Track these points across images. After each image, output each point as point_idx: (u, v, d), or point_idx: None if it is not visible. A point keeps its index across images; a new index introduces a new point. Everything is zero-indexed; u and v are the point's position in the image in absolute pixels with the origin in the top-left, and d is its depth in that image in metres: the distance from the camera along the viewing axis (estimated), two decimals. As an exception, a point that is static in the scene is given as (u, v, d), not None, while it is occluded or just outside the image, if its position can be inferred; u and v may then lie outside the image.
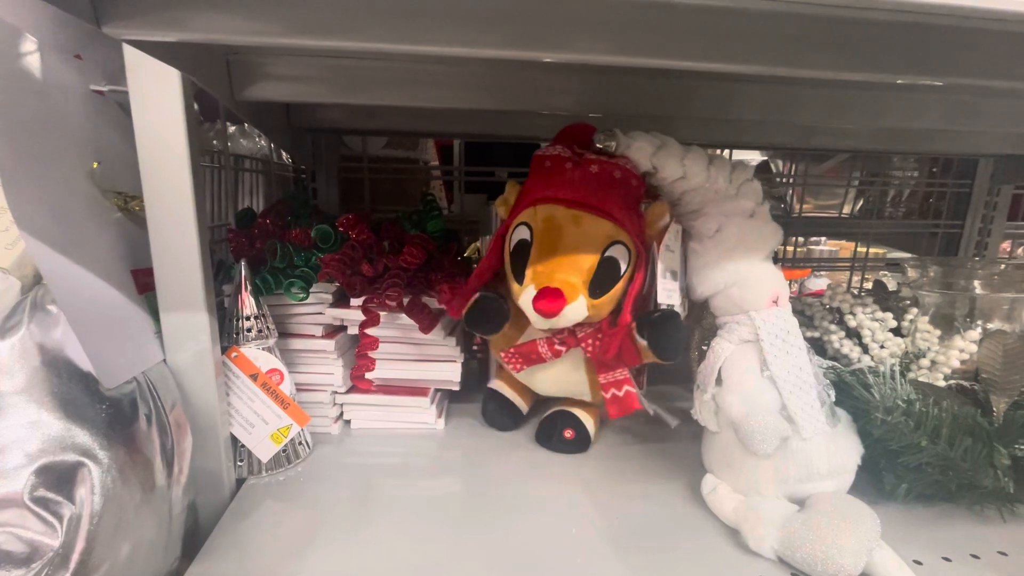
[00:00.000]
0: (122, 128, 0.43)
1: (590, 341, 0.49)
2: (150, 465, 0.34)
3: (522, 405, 0.59)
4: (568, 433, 0.54)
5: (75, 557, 0.27)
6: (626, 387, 0.50)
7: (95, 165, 0.40)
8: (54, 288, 0.33)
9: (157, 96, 0.37)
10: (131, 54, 0.36)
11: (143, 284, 0.43)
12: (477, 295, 0.49)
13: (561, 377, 0.54)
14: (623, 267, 0.47)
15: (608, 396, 0.51)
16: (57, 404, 0.30)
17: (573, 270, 0.45)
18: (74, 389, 0.32)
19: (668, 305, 0.45)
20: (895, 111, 0.59)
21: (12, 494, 0.27)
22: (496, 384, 0.60)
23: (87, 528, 0.28)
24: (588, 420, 0.55)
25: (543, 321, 0.44)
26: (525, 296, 0.45)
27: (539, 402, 0.61)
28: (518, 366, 0.52)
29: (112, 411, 0.33)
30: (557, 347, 0.50)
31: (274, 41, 0.29)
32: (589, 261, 0.45)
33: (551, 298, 0.43)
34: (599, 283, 0.46)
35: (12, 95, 0.33)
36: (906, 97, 0.58)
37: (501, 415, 0.58)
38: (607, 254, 0.46)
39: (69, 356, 0.33)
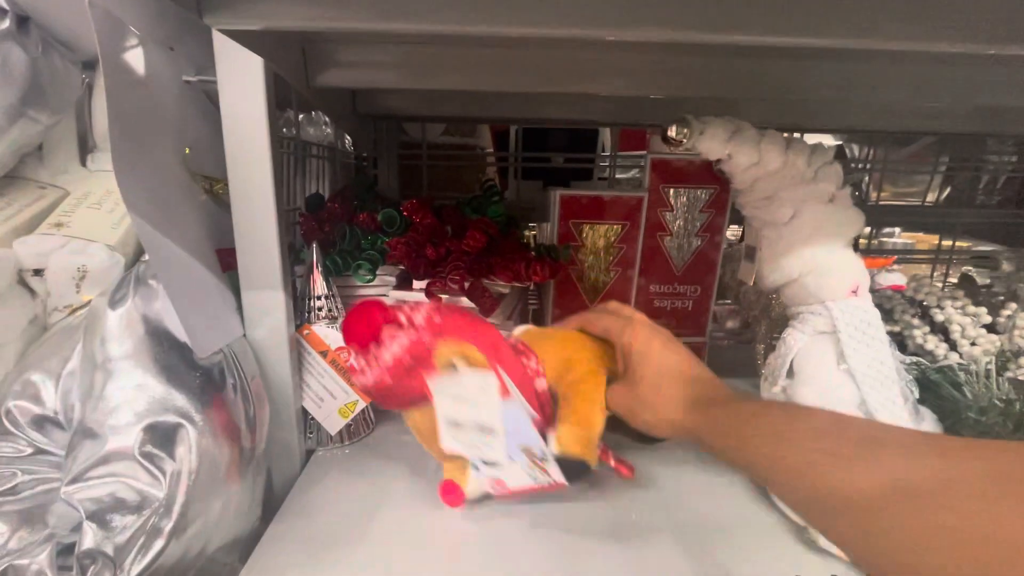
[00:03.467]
0: (208, 115, 0.46)
1: None
2: (237, 430, 0.37)
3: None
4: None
5: (176, 509, 0.30)
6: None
7: (187, 151, 0.43)
8: (156, 265, 0.36)
9: (243, 83, 0.39)
10: (220, 43, 0.38)
11: (225, 263, 0.46)
12: None
13: None
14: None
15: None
16: (159, 370, 0.33)
17: None
18: (173, 357, 0.34)
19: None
20: (993, 87, 0.54)
21: (125, 448, 0.30)
22: None
23: (186, 483, 0.31)
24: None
25: None
26: None
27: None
28: None
29: (205, 378, 0.35)
30: None
31: (359, 26, 0.29)
32: None
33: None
34: None
35: (122, 86, 0.36)
36: (1006, 71, 0.53)
37: None
38: None
39: (168, 327, 0.36)
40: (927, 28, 0.31)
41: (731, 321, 0.76)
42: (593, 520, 0.42)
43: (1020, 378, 0.44)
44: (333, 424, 0.51)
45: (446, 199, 0.78)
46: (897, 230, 1.11)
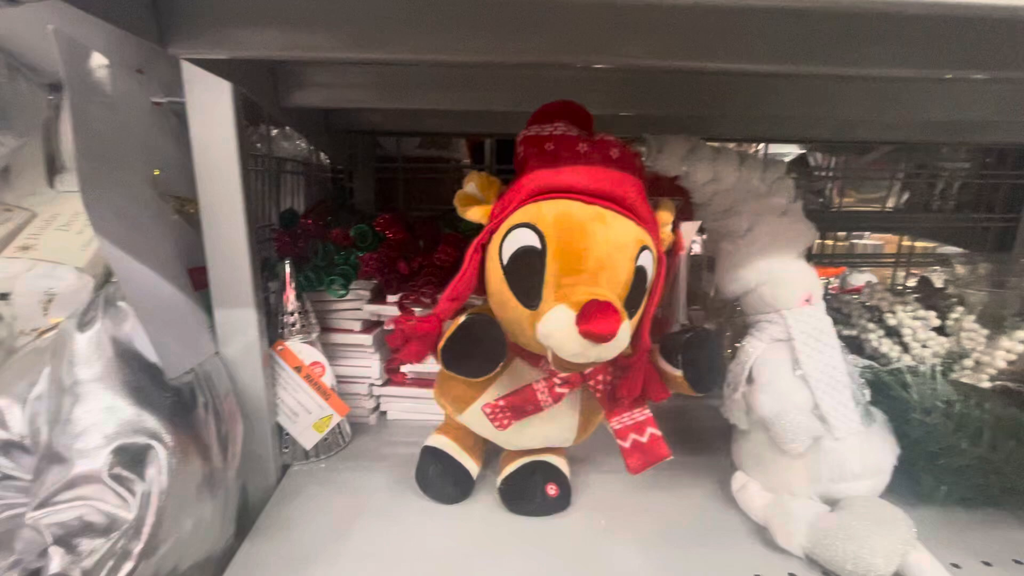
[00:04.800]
0: (177, 136, 0.47)
1: (600, 377, 0.39)
2: (208, 449, 0.37)
3: (473, 467, 0.47)
4: (552, 490, 0.45)
5: (146, 529, 0.30)
6: (650, 430, 0.41)
7: (156, 172, 0.43)
8: (125, 287, 0.36)
9: (211, 107, 0.40)
10: (188, 69, 0.39)
11: (197, 282, 0.46)
12: (463, 319, 0.37)
13: (554, 427, 0.43)
14: (649, 279, 0.37)
15: (627, 444, 0.41)
16: (129, 391, 0.33)
17: (611, 284, 0.35)
18: (143, 378, 0.35)
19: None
20: (944, 103, 0.57)
21: (93, 471, 0.30)
22: (437, 440, 0.48)
23: (156, 504, 0.31)
24: (567, 469, 0.47)
25: (589, 351, 0.32)
26: (552, 320, 0.33)
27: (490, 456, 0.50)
28: (506, 422, 0.40)
29: (175, 399, 0.36)
30: (559, 389, 0.39)
31: (329, 55, 0.30)
32: (625, 272, 0.35)
33: (606, 315, 0.31)
34: (632, 301, 0.36)
35: (88, 109, 0.36)
36: (956, 88, 0.56)
37: (446, 483, 0.46)
38: (638, 263, 0.36)
39: (137, 348, 0.36)
40: (890, 56, 0.33)
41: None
42: (567, 530, 0.43)
43: (963, 379, 0.46)
44: (308, 439, 0.51)
45: (423, 211, 0.79)
46: (867, 232, 1.16)
